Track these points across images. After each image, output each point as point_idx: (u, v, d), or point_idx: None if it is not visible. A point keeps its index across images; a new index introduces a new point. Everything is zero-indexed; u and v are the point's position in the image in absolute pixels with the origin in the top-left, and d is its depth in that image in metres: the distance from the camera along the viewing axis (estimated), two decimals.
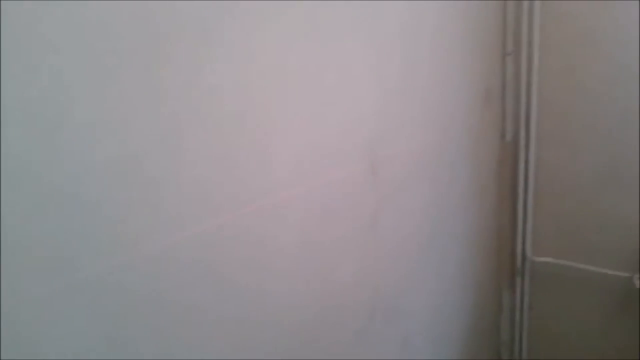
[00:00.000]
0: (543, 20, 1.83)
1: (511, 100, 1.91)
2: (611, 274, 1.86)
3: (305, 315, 1.01)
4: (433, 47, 1.43)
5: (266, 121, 0.86)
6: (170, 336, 0.74)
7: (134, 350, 0.70)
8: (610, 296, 1.90)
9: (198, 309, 0.78)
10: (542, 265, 1.97)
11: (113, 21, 0.64)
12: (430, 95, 1.43)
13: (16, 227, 0.58)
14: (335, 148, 1.03)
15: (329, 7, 0.99)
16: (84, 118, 0.62)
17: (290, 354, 0.97)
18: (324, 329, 1.07)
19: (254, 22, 0.82)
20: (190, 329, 0.77)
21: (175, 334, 0.75)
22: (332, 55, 1.02)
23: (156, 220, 0.70)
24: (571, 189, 1.90)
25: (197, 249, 0.76)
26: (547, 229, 1.95)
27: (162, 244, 0.71)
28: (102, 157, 0.64)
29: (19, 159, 0.58)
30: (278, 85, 0.88)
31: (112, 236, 0.66)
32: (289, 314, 0.96)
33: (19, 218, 0.58)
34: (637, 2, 1.72)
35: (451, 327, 1.72)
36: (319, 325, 1.05)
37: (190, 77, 0.73)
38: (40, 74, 0.58)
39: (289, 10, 0.89)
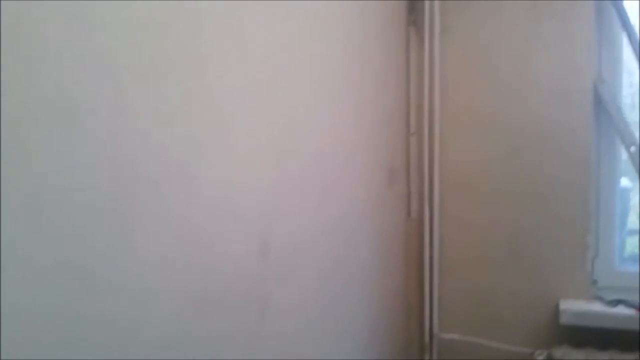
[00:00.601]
0: (443, 102, 1.92)
1: (416, 179, 1.96)
2: (514, 350, 1.88)
3: None
4: (336, 127, 1.45)
5: (131, 194, 0.79)
6: None
7: None
8: None
9: None
10: (449, 342, 1.97)
11: None
12: (332, 173, 1.43)
13: None
14: (217, 228, 0.98)
15: (226, 78, 0.98)
16: None
17: None
18: None
19: (129, 96, 0.79)
20: None
21: None
22: (217, 127, 0.97)
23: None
24: (475, 266, 1.94)
25: (52, 342, 0.69)
26: (453, 305, 1.97)
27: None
28: None
29: None
30: (148, 154, 0.81)
31: None
32: None
33: None
34: (527, 92, 1.84)
35: None
36: None
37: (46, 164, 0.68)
38: None
39: (173, 80, 0.87)
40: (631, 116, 1.88)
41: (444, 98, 1.92)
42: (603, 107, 1.83)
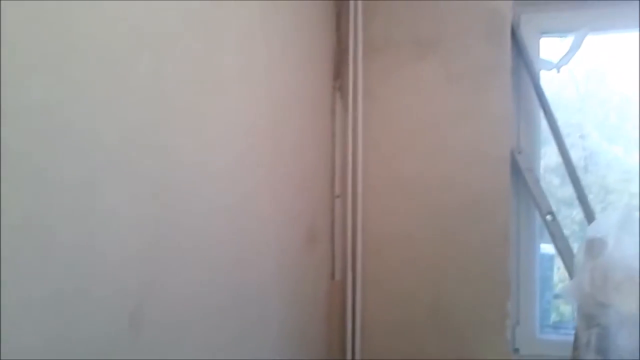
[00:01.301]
0: (366, 166, 1.94)
1: (340, 241, 1.96)
2: None
3: None
4: (242, 189, 1.44)
5: None
6: None
7: None
8: None
9: None
10: None
11: None
12: (234, 237, 1.40)
13: None
14: (77, 295, 0.91)
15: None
16: None
17: None
18: None
19: None
20: None
21: None
22: (86, 187, 0.93)
23: None
24: (396, 331, 1.91)
25: None
26: None
27: None
28: None
29: None
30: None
31: None
32: None
33: None
34: (446, 159, 1.87)
35: None
36: None
37: None
38: None
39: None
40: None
41: (367, 162, 1.94)
42: (522, 175, 1.86)
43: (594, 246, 1.38)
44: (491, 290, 1.84)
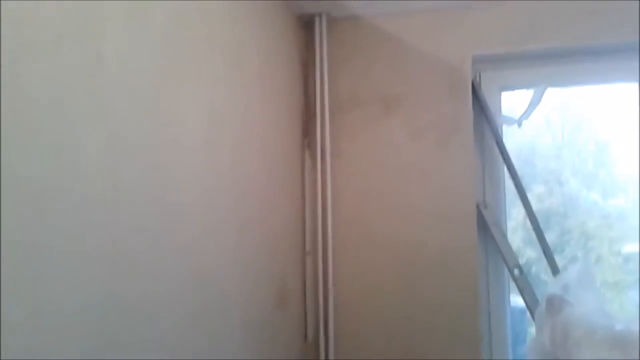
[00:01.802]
0: (336, 223, 1.95)
1: (312, 300, 1.95)
2: None
3: None
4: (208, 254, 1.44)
5: None
6: None
7: None
8: None
9: None
10: None
11: None
12: (203, 302, 1.40)
13: None
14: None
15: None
16: None
17: None
18: None
19: None
20: None
21: None
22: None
23: None
24: None
25: None
26: None
27: None
28: None
29: None
30: None
31: None
32: None
33: None
34: (412, 215, 1.89)
35: None
36: None
37: None
38: None
39: None
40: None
41: (336, 218, 1.95)
42: (489, 229, 1.88)
43: (553, 303, 1.38)
44: (462, 345, 1.83)
